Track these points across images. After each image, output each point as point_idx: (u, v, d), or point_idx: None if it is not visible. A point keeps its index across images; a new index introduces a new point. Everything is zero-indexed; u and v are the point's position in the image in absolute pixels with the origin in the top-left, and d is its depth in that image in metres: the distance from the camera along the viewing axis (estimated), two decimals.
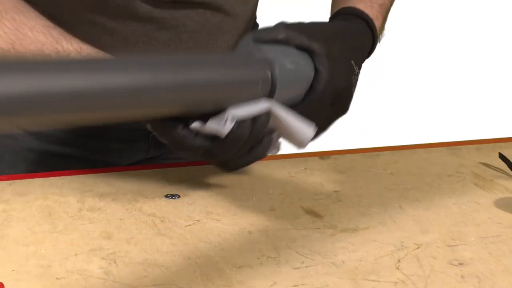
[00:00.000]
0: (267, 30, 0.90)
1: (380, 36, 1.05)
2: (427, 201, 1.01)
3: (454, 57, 3.08)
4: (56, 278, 0.82)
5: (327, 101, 0.91)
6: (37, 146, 1.13)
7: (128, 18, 1.01)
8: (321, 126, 0.94)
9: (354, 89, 0.97)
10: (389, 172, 1.10)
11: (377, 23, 1.03)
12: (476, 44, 3.28)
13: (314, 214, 0.98)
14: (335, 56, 0.92)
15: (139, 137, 1.16)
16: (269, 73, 0.88)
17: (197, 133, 0.85)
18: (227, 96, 0.86)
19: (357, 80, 0.97)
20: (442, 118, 2.97)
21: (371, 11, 1.02)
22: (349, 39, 0.96)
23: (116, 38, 1.01)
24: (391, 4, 1.10)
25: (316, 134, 0.93)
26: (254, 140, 0.87)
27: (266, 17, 1.31)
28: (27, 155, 1.13)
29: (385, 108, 3.34)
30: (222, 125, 0.86)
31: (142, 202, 0.99)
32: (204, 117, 0.87)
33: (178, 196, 1.00)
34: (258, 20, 1.25)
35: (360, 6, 1.02)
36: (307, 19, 0.96)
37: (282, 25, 0.90)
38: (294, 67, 0.90)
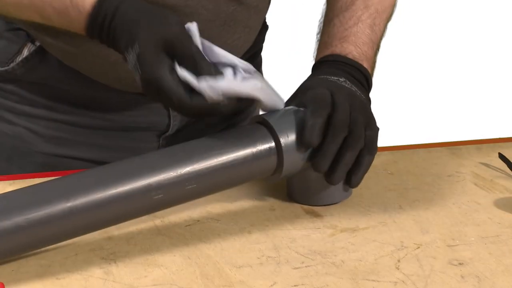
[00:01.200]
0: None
1: (373, 71, 1.07)
2: (427, 201, 1.01)
3: (454, 57, 3.08)
4: (56, 278, 0.82)
5: (324, 93, 0.94)
6: (46, 149, 1.12)
7: None
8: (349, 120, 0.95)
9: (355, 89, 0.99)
10: (389, 172, 1.10)
11: (367, 63, 1.04)
12: (475, 44, 3.27)
13: (314, 214, 0.98)
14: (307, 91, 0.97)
15: (150, 139, 1.15)
16: (273, 144, 0.94)
17: (179, 80, 0.89)
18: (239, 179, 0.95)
19: (345, 83, 0.99)
20: (442, 118, 2.97)
21: (357, 51, 1.03)
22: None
23: None
24: (384, 31, 1.10)
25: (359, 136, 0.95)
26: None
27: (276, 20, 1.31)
28: (35, 158, 1.13)
29: (385, 108, 3.34)
30: (196, 81, 0.89)
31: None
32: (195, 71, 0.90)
33: None
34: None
35: (345, 49, 1.03)
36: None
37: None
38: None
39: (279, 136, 0.93)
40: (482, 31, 3.25)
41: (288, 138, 0.93)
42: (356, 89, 0.98)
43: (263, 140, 0.93)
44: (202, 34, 1.04)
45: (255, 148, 0.93)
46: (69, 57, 1.07)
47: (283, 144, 0.93)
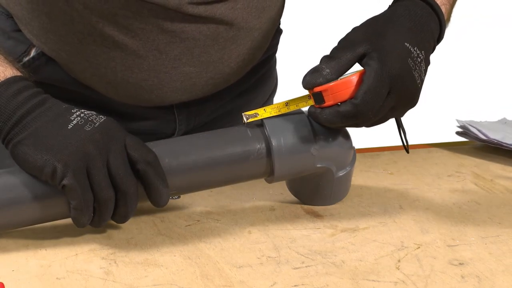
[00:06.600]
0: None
1: (447, 22, 1.02)
2: (427, 201, 1.01)
3: (454, 57, 3.08)
4: (56, 278, 0.82)
5: (382, 91, 0.91)
6: None
7: (137, 30, 1.00)
8: (378, 117, 0.93)
9: (418, 74, 0.95)
10: (389, 172, 1.10)
11: (444, 8, 0.99)
12: (475, 44, 3.27)
13: (314, 214, 0.98)
14: (385, 44, 0.92)
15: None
16: (264, 145, 0.93)
17: None
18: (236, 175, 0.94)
19: (420, 63, 0.94)
20: (442, 118, 2.98)
21: None
22: (403, 22, 0.94)
23: (126, 52, 1.00)
24: None
25: (373, 125, 0.94)
26: None
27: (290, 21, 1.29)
28: None
29: None
30: None
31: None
32: None
33: (178, 196, 1.00)
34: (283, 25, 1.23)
35: None
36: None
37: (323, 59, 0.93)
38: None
39: (271, 138, 0.92)
40: (481, 31, 3.25)
41: (282, 141, 0.92)
42: (419, 62, 0.95)
43: (255, 141, 0.92)
44: (200, 58, 1.03)
45: (246, 148, 0.92)
46: (70, 71, 1.07)
47: (274, 147, 0.92)
